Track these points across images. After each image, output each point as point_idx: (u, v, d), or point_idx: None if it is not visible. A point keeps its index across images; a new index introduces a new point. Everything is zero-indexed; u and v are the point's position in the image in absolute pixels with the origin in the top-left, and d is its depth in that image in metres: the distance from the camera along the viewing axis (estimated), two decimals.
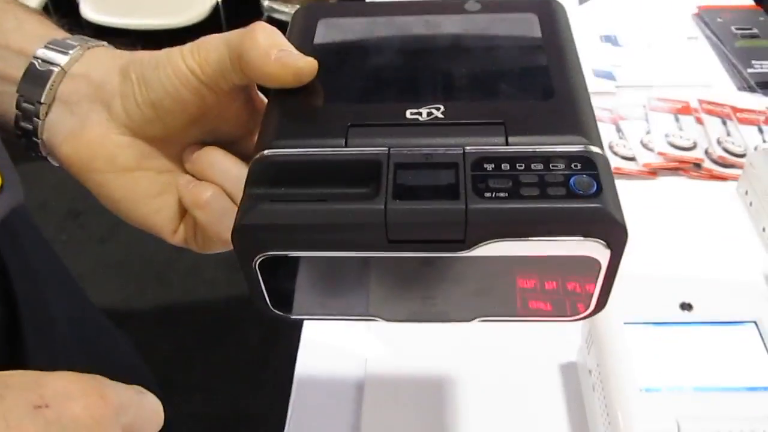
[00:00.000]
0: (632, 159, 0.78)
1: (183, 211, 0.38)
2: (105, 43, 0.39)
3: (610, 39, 1.00)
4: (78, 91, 0.36)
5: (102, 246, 1.93)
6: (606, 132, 0.82)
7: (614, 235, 0.27)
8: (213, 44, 0.33)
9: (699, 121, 0.83)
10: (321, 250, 0.28)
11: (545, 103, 0.31)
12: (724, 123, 0.83)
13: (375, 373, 0.59)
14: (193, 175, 0.37)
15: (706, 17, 1.03)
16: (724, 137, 0.80)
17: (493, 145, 0.28)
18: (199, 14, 2.18)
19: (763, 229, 0.68)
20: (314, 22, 0.37)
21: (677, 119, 0.83)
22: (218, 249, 0.38)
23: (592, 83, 0.90)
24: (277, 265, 0.29)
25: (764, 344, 0.50)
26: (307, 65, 0.32)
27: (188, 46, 0.34)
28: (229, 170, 0.35)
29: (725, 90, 0.90)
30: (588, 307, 0.31)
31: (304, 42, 0.35)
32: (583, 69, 0.34)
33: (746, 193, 0.72)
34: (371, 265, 0.29)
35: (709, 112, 0.84)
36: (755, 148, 0.77)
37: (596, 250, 0.27)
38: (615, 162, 0.77)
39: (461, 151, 0.28)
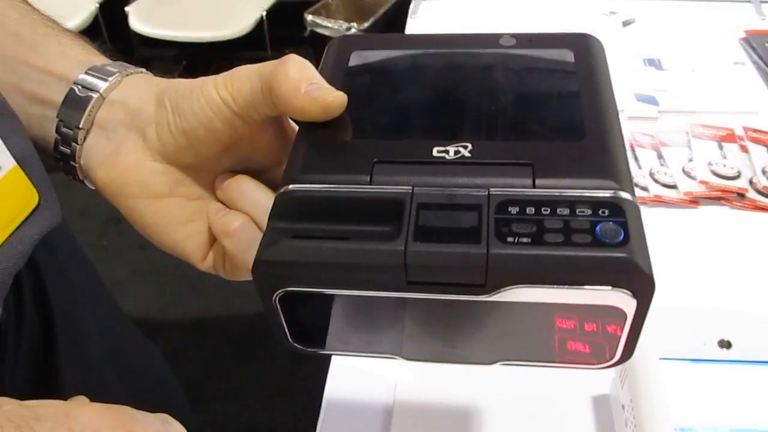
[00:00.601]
0: (673, 187, 0.76)
1: (213, 238, 0.38)
2: (143, 69, 0.40)
3: (653, 62, 0.98)
4: (115, 117, 0.37)
5: (141, 253, 1.96)
6: (647, 158, 0.80)
7: (640, 285, 0.26)
8: (246, 75, 0.33)
9: (743, 149, 0.81)
10: (340, 289, 0.28)
11: (576, 145, 0.30)
12: None
13: (404, 398, 0.58)
14: (223, 203, 0.37)
15: (753, 42, 1.00)
16: None
17: (520, 187, 0.28)
18: (244, 28, 2.21)
19: None
20: (347, 54, 0.37)
21: (721, 147, 0.81)
22: (246, 277, 0.38)
23: (634, 108, 0.89)
24: (297, 301, 0.29)
25: None
26: (335, 100, 0.32)
27: (222, 76, 0.34)
28: (258, 200, 0.36)
29: None
30: (614, 355, 0.30)
31: (335, 74, 0.35)
32: (617, 109, 0.33)
33: None
34: (391, 304, 0.29)
35: (755, 140, 0.82)
36: None
37: (622, 300, 0.26)
38: (655, 189, 0.76)
39: (486, 193, 0.28)
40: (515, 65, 0.36)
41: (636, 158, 0.80)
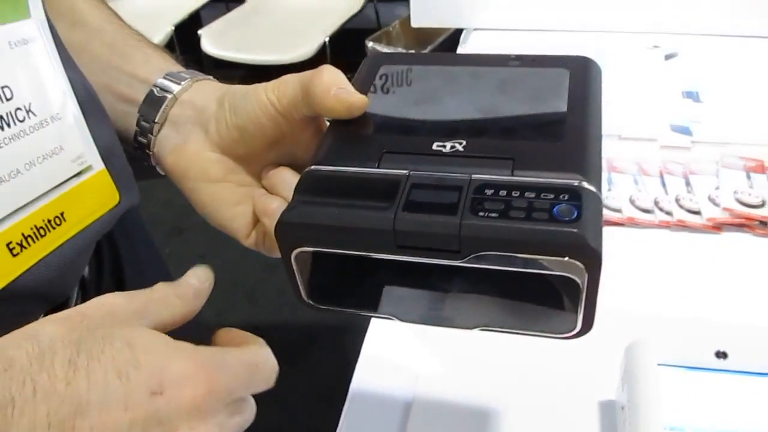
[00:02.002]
0: (698, 213, 0.80)
1: (256, 220, 0.45)
2: (211, 77, 0.48)
3: (691, 95, 1.02)
4: (184, 114, 0.45)
5: (201, 262, 2.05)
6: (675, 185, 0.84)
7: (587, 257, 0.30)
8: (290, 81, 0.40)
9: None
10: (342, 249, 0.34)
11: (555, 146, 0.36)
12: None
13: (423, 392, 0.63)
14: (267, 190, 0.44)
15: None
16: None
17: (499, 175, 0.34)
18: (307, 52, 2.32)
19: None
20: (377, 68, 0.44)
21: (749, 177, 0.84)
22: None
23: (668, 137, 0.92)
24: (310, 260, 0.35)
25: None
26: (358, 101, 0.39)
27: (271, 82, 0.41)
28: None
29: None
30: (575, 326, 0.35)
31: (364, 83, 0.42)
32: (602, 122, 0.39)
33: None
34: (387, 267, 0.34)
35: None
36: None
37: (574, 271, 0.31)
38: (679, 215, 0.79)
39: (468, 178, 0.34)
40: (514, 79, 0.42)
41: (664, 184, 0.84)
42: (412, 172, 0.34)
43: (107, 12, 0.51)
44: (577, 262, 0.31)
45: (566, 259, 0.31)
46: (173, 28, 2.42)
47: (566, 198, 0.32)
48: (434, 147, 0.36)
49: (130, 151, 0.47)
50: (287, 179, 0.43)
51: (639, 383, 0.53)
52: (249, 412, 0.35)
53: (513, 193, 0.32)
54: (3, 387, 0.27)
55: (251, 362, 0.35)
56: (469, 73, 0.43)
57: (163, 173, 0.47)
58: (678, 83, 1.04)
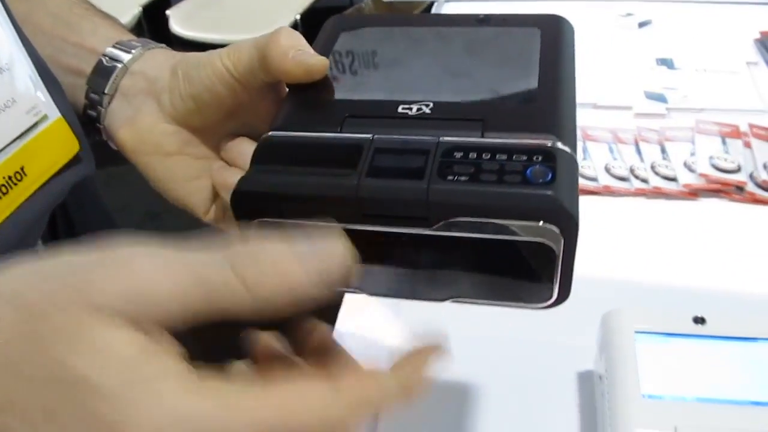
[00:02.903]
0: (673, 179, 0.78)
1: (215, 195, 0.43)
2: (164, 45, 0.45)
3: (665, 62, 1.00)
4: (136, 85, 0.42)
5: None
6: (650, 152, 0.82)
7: (563, 221, 0.29)
8: (245, 47, 0.38)
9: (747, 145, 0.82)
10: (304, 218, 0.31)
11: (526, 106, 0.34)
12: None
13: None
14: (226, 162, 0.42)
15: (767, 43, 1.02)
16: None
17: (468, 137, 0.31)
18: None
19: None
20: (338, 31, 0.42)
21: (724, 142, 0.83)
22: None
23: (642, 105, 0.91)
24: (272, 231, 0.33)
25: None
26: (318, 63, 0.37)
27: (226, 48, 0.39)
28: None
29: None
30: (551, 295, 0.33)
31: (325, 46, 0.40)
32: (575, 82, 0.37)
33: None
34: (353, 237, 0.32)
35: (759, 137, 0.83)
36: None
37: (549, 236, 0.29)
38: (655, 181, 0.78)
39: (436, 141, 0.31)
40: (483, 39, 0.40)
41: (639, 152, 0.82)
42: (376, 136, 0.32)
43: None
44: (553, 227, 0.29)
45: (541, 224, 0.29)
46: (141, 9, 2.36)
47: (539, 159, 0.30)
48: (400, 110, 0.34)
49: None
50: (247, 150, 0.40)
51: (616, 353, 0.52)
52: None
53: (483, 156, 0.30)
54: None
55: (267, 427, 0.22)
56: (435, 34, 0.41)
57: (115, 148, 0.44)
58: (652, 51, 1.03)
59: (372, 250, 0.33)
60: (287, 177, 0.32)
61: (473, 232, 0.30)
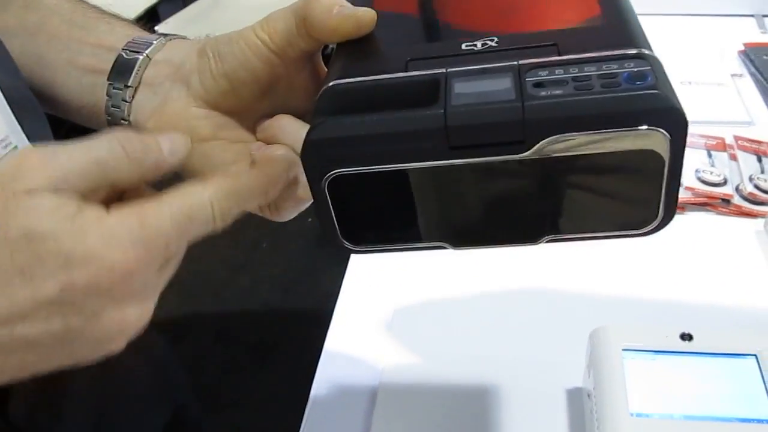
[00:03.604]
0: None
1: None
2: (185, 36, 0.43)
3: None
4: (161, 73, 0.40)
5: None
6: None
7: (673, 121, 0.27)
8: (281, 15, 0.37)
9: (733, 157, 0.83)
10: (386, 163, 0.29)
11: (597, 29, 0.32)
12: (760, 160, 0.82)
13: (388, 383, 0.61)
14: (265, 143, 0.40)
15: (751, 54, 1.02)
16: (757, 174, 0.80)
17: (547, 57, 0.30)
18: None
19: None
20: None
21: (710, 155, 0.83)
22: (289, 211, 0.41)
23: None
24: (346, 188, 0.31)
25: (763, 378, 0.50)
26: (366, 14, 0.35)
27: (259, 21, 0.37)
28: (298, 131, 0.37)
29: (766, 127, 0.90)
30: (656, 216, 0.31)
31: (365, 4, 0.37)
32: (633, 8, 0.35)
33: None
34: (437, 181, 0.30)
35: (744, 149, 0.84)
36: None
37: (656, 142, 0.27)
38: None
39: (516, 63, 0.29)
40: None
41: None
42: (449, 70, 0.30)
43: None
44: (661, 130, 0.27)
45: (645, 128, 0.27)
46: None
47: (632, 65, 0.28)
48: (464, 47, 0.32)
49: (103, 129, 0.42)
50: (287, 125, 0.38)
51: (604, 370, 0.52)
52: (179, 258, 0.32)
53: (572, 70, 0.28)
54: None
55: (180, 213, 0.31)
56: None
57: None
58: None
59: (457, 193, 0.31)
60: (363, 119, 0.29)
61: (571, 152, 0.28)
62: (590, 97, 0.27)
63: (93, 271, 0.28)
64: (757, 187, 0.78)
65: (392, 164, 0.29)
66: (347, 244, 0.34)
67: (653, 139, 0.27)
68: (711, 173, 0.79)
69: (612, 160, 0.28)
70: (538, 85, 0.28)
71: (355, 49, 0.35)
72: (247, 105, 0.39)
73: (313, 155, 0.30)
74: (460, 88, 0.29)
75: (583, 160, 0.28)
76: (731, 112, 0.93)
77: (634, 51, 0.29)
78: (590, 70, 0.28)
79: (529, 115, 0.27)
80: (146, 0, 2.54)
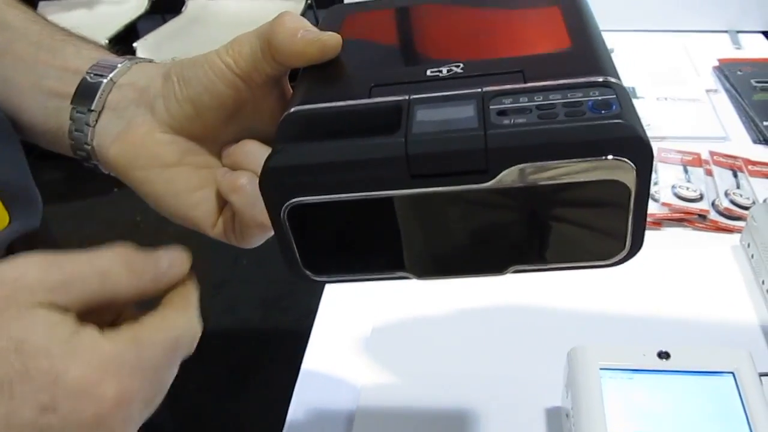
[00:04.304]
0: None
1: (221, 205, 0.39)
2: (152, 59, 0.43)
3: (628, 91, 1.01)
4: (125, 97, 0.39)
5: None
6: None
7: (638, 151, 0.26)
8: (246, 38, 0.36)
9: (708, 173, 0.83)
10: (346, 192, 0.29)
11: (563, 53, 0.32)
12: (735, 175, 0.83)
13: (366, 403, 0.61)
14: (230, 168, 0.39)
15: (726, 70, 1.03)
16: (733, 189, 0.80)
17: (512, 84, 0.29)
18: None
19: (763, 282, 0.68)
20: (342, 16, 0.39)
21: (686, 171, 0.83)
22: (256, 238, 0.40)
23: None
24: (306, 217, 0.30)
25: (740, 395, 0.50)
26: (330, 39, 0.34)
27: (224, 45, 0.37)
28: (263, 157, 0.36)
29: (740, 143, 0.90)
30: (624, 247, 0.30)
31: (332, 27, 0.37)
32: (602, 33, 0.35)
33: (748, 245, 0.72)
34: (399, 211, 0.29)
35: (720, 164, 0.84)
36: (764, 201, 0.77)
37: (622, 172, 0.27)
38: None
39: (480, 90, 0.29)
40: (501, 4, 0.38)
41: None
42: (412, 96, 0.29)
43: (28, 11, 0.46)
44: (626, 160, 0.26)
45: (610, 158, 0.26)
46: (107, 41, 2.35)
47: (597, 93, 0.27)
48: (429, 73, 0.31)
49: (67, 153, 0.42)
50: (252, 150, 0.38)
51: (581, 390, 0.52)
52: (165, 390, 0.31)
53: (536, 98, 0.28)
54: None
55: (171, 341, 0.30)
56: (446, 9, 0.39)
57: (106, 171, 0.41)
58: None
59: (420, 222, 0.30)
60: (323, 146, 0.28)
61: (535, 182, 0.27)
62: (554, 126, 0.26)
63: (81, 400, 0.26)
64: (733, 202, 0.78)
65: (353, 193, 0.29)
66: (308, 274, 0.33)
67: (619, 170, 0.27)
68: (687, 189, 0.80)
69: (577, 190, 0.28)
70: (502, 113, 0.27)
71: (319, 74, 0.34)
72: (213, 130, 0.38)
73: (272, 184, 0.29)
74: (422, 115, 0.28)
75: (548, 190, 0.28)
76: (706, 127, 0.93)
77: (600, 79, 0.29)
78: (555, 98, 0.27)
79: (491, 144, 0.27)
80: (125, 16, 2.54)
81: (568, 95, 0.28)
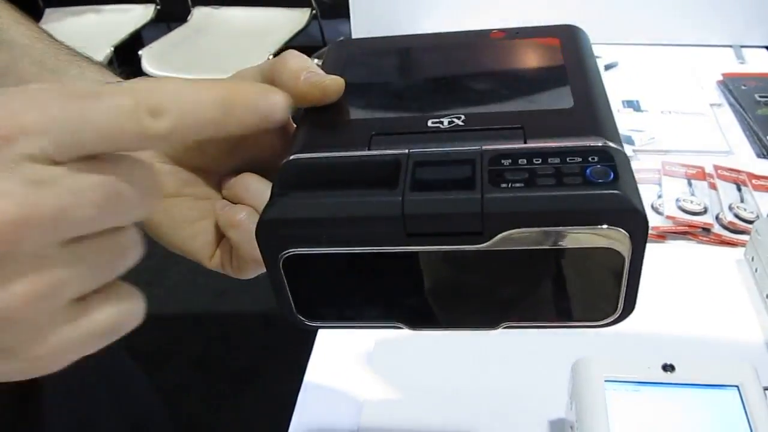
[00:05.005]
0: None
1: (219, 237, 0.39)
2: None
3: (632, 104, 1.02)
4: None
5: (147, 289, 1.99)
6: None
7: (633, 222, 0.27)
8: (249, 74, 0.36)
9: (713, 186, 0.83)
10: (341, 246, 0.29)
11: (565, 111, 0.32)
12: (739, 189, 0.83)
13: (369, 419, 0.61)
14: (229, 201, 0.39)
15: (730, 85, 1.04)
16: (737, 203, 0.80)
17: (512, 144, 0.29)
18: None
19: (767, 296, 0.68)
20: (346, 52, 0.40)
21: (690, 184, 0.84)
22: (252, 271, 0.40)
23: None
24: (301, 266, 0.30)
25: (744, 409, 0.50)
26: (333, 83, 0.34)
27: (227, 78, 0.37)
28: (263, 193, 0.36)
29: (744, 157, 0.91)
30: (616, 310, 0.30)
31: (334, 68, 0.37)
32: (604, 84, 0.35)
33: (752, 259, 0.72)
34: (394, 265, 0.29)
35: (724, 178, 0.84)
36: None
37: (616, 241, 0.27)
38: None
39: (479, 149, 0.29)
40: (504, 50, 0.38)
41: None
42: (412, 150, 0.30)
43: (34, 28, 0.46)
44: (621, 230, 0.27)
45: (605, 227, 0.26)
46: (113, 49, 2.36)
47: (596, 160, 0.27)
48: (430, 124, 0.31)
49: None
50: (252, 185, 0.37)
51: (586, 402, 0.52)
52: (125, 299, 0.27)
53: (535, 161, 0.28)
54: None
55: (111, 184, 0.25)
56: (451, 48, 0.39)
57: None
58: (618, 93, 1.05)
59: (415, 277, 0.30)
60: (320, 200, 0.29)
61: (529, 245, 0.27)
62: (551, 193, 0.27)
63: None
64: (737, 216, 0.78)
65: (348, 247, 0.29)
66: (302, 319, 0.33)
67: (613, 238, 0.27)
68: (691, 202, 0.80)
69: (572, 255, 0.28)
70: (500, 175, 0.28)
71: (320, 117, 0.34)
72: (213, 161, 0.39)
73: (268, 234, 0.29)
74: (420, 173, 0.29)
75: (543, 253, 0.28)
76: (710, 141, 0.94)
77: (600, 143, 0.29)
78: (553, 162, 0.28)
79: (488, 208, 0.27)
80: (131, 24, 2.55)
81: (567, 160, 0.28)
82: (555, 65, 0.36)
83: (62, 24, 2.51)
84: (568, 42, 0.37)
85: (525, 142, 0.29)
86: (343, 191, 0.29)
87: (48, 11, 2.62)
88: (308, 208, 0.29)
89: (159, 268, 2.01)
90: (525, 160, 0.28)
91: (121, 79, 0.43)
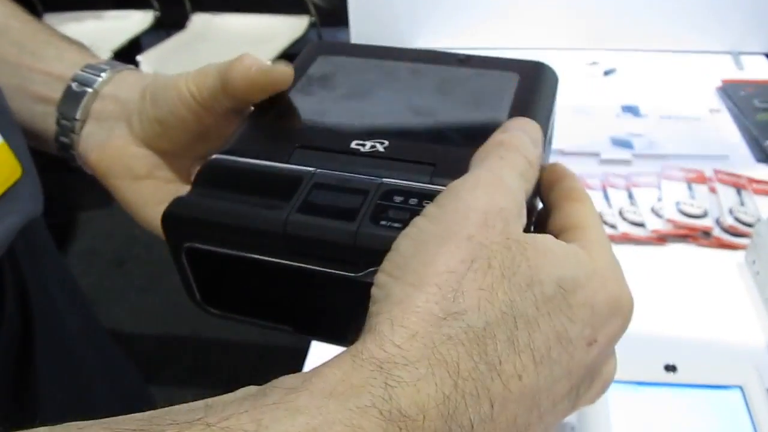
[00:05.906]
0: (641, 225, 0.79)
1: None
2: (132, 66, 0.44)
3: (631, 109, 1.02)
4: (107, 109, 0.42)
5: (142, 295, 1.99)
6: (617, 198, 0.83)
7: None
8: (210, 71, 0.37)
9: (712, 190, 0.83)
10: (233, 249, 0.30)
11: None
12: (739, 193, 0.83)
13: None
14: None
15: (729, 90, 1.04)
16: (737, 207, 0.80)
17: (415, 181, 0.30)
18: None
19: None
20: (315, 56, 0.40)
21: (690, 188, 0.83)
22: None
23: (609, 151, 0.92)
24: (203, 257, 0.31)
25: (748, 409, 0.49)
26: (280, 71, 0.36)
27: (192, 72, 0.38)
28: None
29: (744, 162, 0.91)
30: None
31: (299, 68, 0.38)
32: (550, 130, 0.35)
33: (753, 262, 0.71)
34: (279, 273, 0.30)
35: (724, 182, 0.84)
36: None
37: None
38: (624, 227, 0.78)
39: (378, 182, 0.30)
40: (458, 79, 0.38)
41: (607, 198, 0.83)
42: (318, 171, 0.31)
43: (11, 6, 0.47)
44: None
45: None
46: (112, 54, 2.36)
47: None
48: (352, 145, 0.32)
49: (52, 153, 0.44)
50: None
51: None
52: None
53: (424, 203, 0.28)
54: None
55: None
56: (409, 70, 0.40)
57: (90, 172, 0.43)
58: (617, 98, 1.05)
59: (295, 287, 0.32)
60: (219, 204, 0.30)
61: None
62: None
63: (613, 319, 0.27)
64: (737, 219, 0.78)
65: (238, 251, 0.30)
66: (206, 307, 0.34)
67: None
68: (691, 205, 0.80)
69: None
70: (383, 212, 0.28)
71: (258, 121, 0.36)
72: (180, 148, 0.41)
73: (169, 227, 0.31)
74: (314, 195, 0.30)
75: None
76: (710, 146, 0.93)
77: None
78: None
79: (360, 242, 0.28)
80: (130, 30, 2.55)
81: None
82: (500, 103, 0.35)
83: (61, 29, 2.49)
84: (527, 80, 0.37)
85: (430, 181, 0.30)
86: (242, 200, 0.30)
87: (47, 16, 2.62)
88: (207, 211, 0.30)
89: (155, 274, 2.01)
90: (416, 200, 0.29)
91: (98, 59, 0.44)
